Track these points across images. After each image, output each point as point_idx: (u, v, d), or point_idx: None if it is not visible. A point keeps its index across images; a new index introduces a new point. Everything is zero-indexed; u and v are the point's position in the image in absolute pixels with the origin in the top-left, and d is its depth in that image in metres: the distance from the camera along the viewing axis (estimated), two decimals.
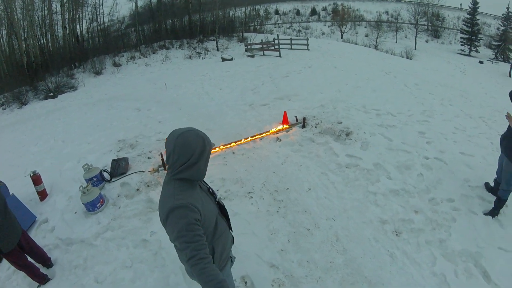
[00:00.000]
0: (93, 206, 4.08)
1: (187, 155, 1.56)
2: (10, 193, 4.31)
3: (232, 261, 2.07)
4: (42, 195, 4.66)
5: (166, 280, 3.01)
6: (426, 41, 46.87)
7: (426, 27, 49.66)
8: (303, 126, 5.85)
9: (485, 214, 3.61)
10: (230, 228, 1.99)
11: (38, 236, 3.95)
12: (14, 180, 5.27)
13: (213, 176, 4.54)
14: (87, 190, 4.07)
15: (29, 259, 3.28)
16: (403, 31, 50.82)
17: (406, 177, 4.30)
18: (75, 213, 4.20)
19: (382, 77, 10.02)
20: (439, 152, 4.88)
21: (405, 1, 55.98)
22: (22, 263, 3.14)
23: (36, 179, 4.57)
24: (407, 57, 26.65)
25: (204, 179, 1.95)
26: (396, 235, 3.42)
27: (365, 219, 3.63)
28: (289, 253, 3.19)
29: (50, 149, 6.80)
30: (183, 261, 1.69)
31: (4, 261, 3.46)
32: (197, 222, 1.53)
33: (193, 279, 1.92)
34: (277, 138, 5.53)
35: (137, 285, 3.06)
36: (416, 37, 42.58)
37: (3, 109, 15.93)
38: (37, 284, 3.28)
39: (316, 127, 5.77)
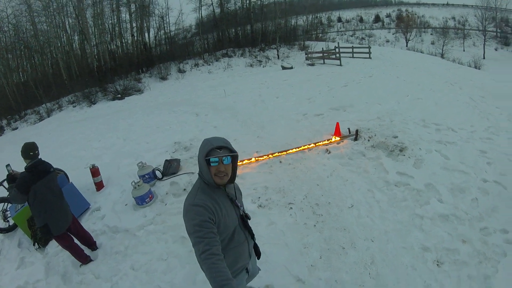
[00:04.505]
0: (142, 200, 4.43)
1: (198, 157, 1.78)
2: (69, 182, 4.86)
3: (248, 272, 2.08)
4: (99, 186, 5.16)
5: (194, 277, 3.16)
6: (496, 49, 42.75)
7: (495, 33, 44.92)
8: (356, 139, 5.62)
9: None
10: (253, 240, 2.02)
11: (89, 221, 4.40)
12: (76, 170, 5.90)
13: (257, 183, 4.59)
14: (138, 185, 4.43)
15: (76, 241, 3.71)
16: (471, 38, 46.79)
17: (458, 202, 3.91)
18: (126, 205, 4.58)
19: (446, 89, 9.25)
20: (500, 175, 4.39)
21: (472, 6, 51.10)
22: (68, 244, 3.58)
23: (94, 172, 5.08)
24: (475, 67, 24.29)
25: (240, 190, 2.05)
26: (437, 265, 3.13)
27: (406, 244, 3.37)
28: (318, 269, 3.10)
29: (112, 146, 7.44)
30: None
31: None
32: (212, 222, 1.63)
33: None
34: (327, 150, 5.40)
35: (167, 277, 3.28)
36: (484, 45, 38.76)
37: (74, 106, 17.75)
38: (80, 263, 3.69)
39: (369, 140, 5.51)
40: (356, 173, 4.73)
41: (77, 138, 9.12)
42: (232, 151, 1.76)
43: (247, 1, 27.85)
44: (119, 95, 17.09)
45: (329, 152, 5.33)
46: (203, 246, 1.54)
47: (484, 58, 32.88)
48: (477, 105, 7.48)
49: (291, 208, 4.06)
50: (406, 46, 45.70)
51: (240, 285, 2.02)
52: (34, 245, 4.10)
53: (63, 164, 6.08)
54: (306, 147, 5.54)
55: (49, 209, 3.31)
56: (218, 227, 1.69)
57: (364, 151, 5.23)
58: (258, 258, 2.19)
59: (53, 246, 3.96)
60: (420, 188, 4.19)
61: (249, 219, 1.96)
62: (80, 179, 5.36)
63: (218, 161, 1.70)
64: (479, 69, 23.59)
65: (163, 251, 3.61)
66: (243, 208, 1.98)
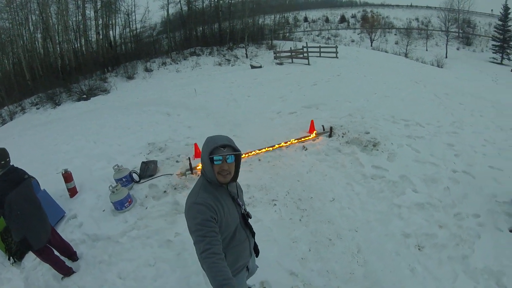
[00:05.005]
0: (121, 205, 4.24)
1: (201, 155, 1.79)
2: (41, 189, 4.53)
3: (248, 270, 2.11)
4: (72, 192, 4.87)
5: (187, 280, 3.11)
6: (457, 49, 45.32)
7: (457, 34, 47.96)
8: (330, 136, 5.79)
9: (511, 231, 3.47)
10: (253, 237, 2.03)
11: (66, 230, 4.13)
12: (45, 176, 5.47)
13: (238, 182, 4.61)
14: (116, 189, 4.23)
15: (55, 252, 3.45)
16: (433, 38, 49.33)
17: (432, 191, 4.19)
18: (103, 211, 4.37)
19: (412, 87, 9.77)
20: (467, 165, 4.73)
21: (435, 7, 54.34)
22: (48, 257, 3.31)
23: (67, 177, 4.78)
24: (438, 66, 25.64)
25: (241, 188, 2.07)
26: (419, 249, 3.36)
27: (388, 232, 3.58)
28: (309, 262, 3.20)
29: (82, 149, 7.07)
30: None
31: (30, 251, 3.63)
32: (214, 220, 1.63)
33: None
34: (303, 147, 5.52)
35: (158, 284, 3.17)
36: (447, 44, 41.09)
37: (37, 108, 16.74)
38: (61, 276, 3.44)
39: (343, 136, 5.71)
40: (333, 168, 4.90)
41: (44, 141, 8.58)
42: (236, 149, 1.76)
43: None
44: (85, 96, 16.38)
45: (306, 149, 5.47)
46: (204, 245, 1.55)
47: (446, 57, 34.88)
48: (441, 101, 7.97)
49: (275, 204, 4.13)
50: (371, 46, 47.23)
51: (240, 283, 2.03)
52: (9, 259, 3.79)
53: (31, 170, 5.64)
54: (289, 142, 5.65)
55: (28, 220, 3.04)
56: (220, 226, 1.69)
57: (339, 147, 5.42)
58: (257, 256, 2.22)
59: (30, 259, 3.69)
60: (395, 180, 4.42)
61: (250, 218, 1.97)
62: (52, 186, 4.99)
63: (222, 160, 1.69)
64: (441, 67, 24.92)
65: (150, 257, 3.50)
66: (244, 206, 1.97)
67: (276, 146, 5.58)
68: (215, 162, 1.69)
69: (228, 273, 1.53)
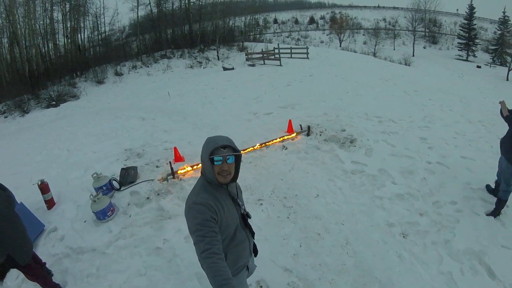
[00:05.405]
0: (103, 214, 4.09)
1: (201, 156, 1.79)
2: (18, 202, 4.30)
3: (248, 269, 2.13)
4: (50, 203, 4.64)
5: (182, 286, 3.07)
6: (424, 47, 47.46)
7: (423, 33, 50.21)
8: (308, 134, 5.95)
9: (487, 214, 3.75)
10: (253, 237, 2.06)
11: (47, 245, 3.93)
12: (19, 189, 5.15)
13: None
14: (97, 198, 4.07)
15: None
16: (401, 38, 51.45)
17: (410, 182, 4.43)
18: (85, 221, 4.19)
19: (382, 85, 10.19)
20: (441, 156, 5.04)
21: (402, 8, 56.80)
22: (36, 272, 3.12)
23: (44, 188, 4.55)
24: (406, 64, 26.81)
25: (241, 188, 2.07)
26: (403, 237, 3.54)
27: (373, 222, 3.74)
28: (301, 257, 3.28)
29: (55, 158, 6.79)
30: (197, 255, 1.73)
31: (12, 270, 3.41)
32: (214, 221, 1.64)
33: None
34: (283, 146, 5.63)
35: None
36: (414, 43, 42.90)
37: (5, 117, 15.76)
38: None
39: (320, 135, 5.88)
40: (315, 165, 5.05)
41: (15, 151, 8.12)
42: (236, 150, 1.78)
43: (186, 1, 27.35)
44: (54, 102, 15.62)
45: (286, 148, 5.59)
46: (204, 245, 1.55)
47: (413, 55, 36.47)
48: (412, 98, 8.43)
49: (261, 204, 4.19)
50: (340, 46, 48.40)
51: (241, 283, 2.04)
52: None
53: (4, 183, 5.39)
54: (275, 141, 5.77)
55: (9, 237, 2.84)
56: (220, 226, 1.70)
57: (318, 145, 5.60)
58: (255, 256, 2.24)
59: (12, 278, 3.46)
60: (375, 174, 4.64)
61: (250, 218, 1.98)
62: (27, 198, 4.76)
63: (222, 160, 1.70)
64: (409, 66, 26.11)
65: (140, 266, 3.40)
66: (244, 207, 1.99)
67: (271, 142, 5.71)
68: (215, 163, 1.70)
69: (227, 273, 1.53)
